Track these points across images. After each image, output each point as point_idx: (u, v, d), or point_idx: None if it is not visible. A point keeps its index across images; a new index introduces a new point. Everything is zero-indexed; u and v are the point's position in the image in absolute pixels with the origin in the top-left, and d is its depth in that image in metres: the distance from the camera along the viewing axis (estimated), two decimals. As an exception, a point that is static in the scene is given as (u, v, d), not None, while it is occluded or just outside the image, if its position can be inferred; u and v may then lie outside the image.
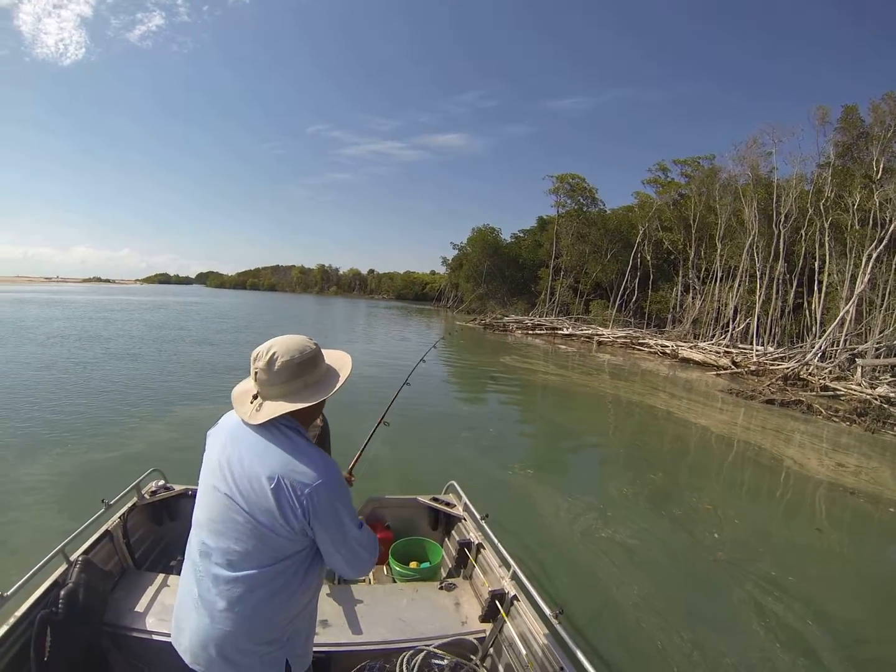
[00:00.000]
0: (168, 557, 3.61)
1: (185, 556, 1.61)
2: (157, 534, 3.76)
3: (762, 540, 6.45)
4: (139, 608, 2.79)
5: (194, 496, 1.65)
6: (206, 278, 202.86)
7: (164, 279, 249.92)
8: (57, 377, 12.27)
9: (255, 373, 1.53)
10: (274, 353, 1.51)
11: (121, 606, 2.80)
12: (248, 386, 1.60)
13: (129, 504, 3.56)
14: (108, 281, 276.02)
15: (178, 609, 1.61)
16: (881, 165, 27.39)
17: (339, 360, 1.69)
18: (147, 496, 3.71)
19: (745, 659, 4.06)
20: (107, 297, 64.48)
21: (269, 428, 1.50)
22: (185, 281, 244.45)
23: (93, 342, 18.86)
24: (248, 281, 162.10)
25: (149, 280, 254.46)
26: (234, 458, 1.50)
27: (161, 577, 3.09)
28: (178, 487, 3.86)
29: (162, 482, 3.88)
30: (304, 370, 1.54)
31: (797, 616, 4.71)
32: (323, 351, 1.66)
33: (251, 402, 1.54)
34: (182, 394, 11.24)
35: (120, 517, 3.40)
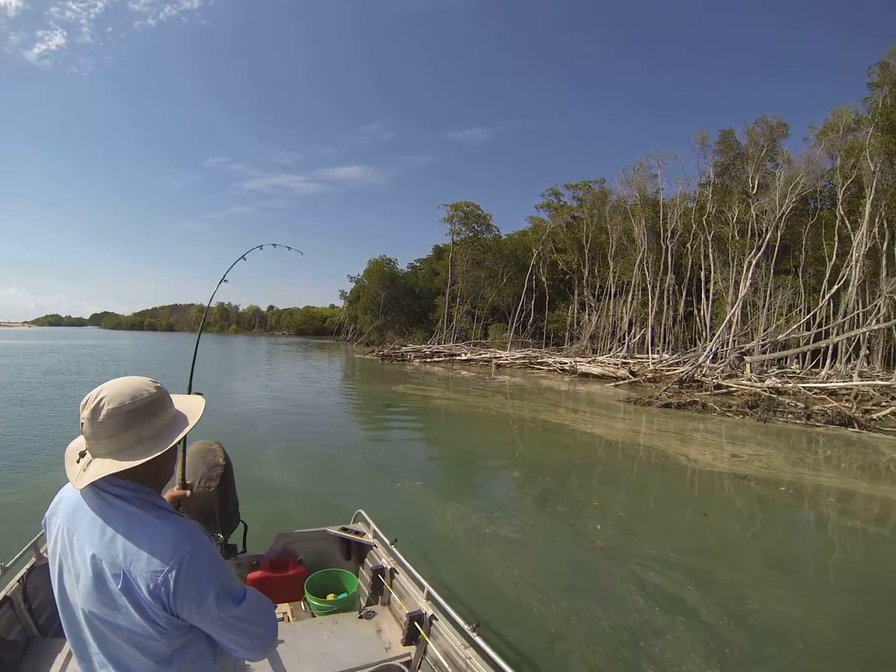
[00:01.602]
0: None
1: (75, 656, 1.32)
2: None
3: (646, 528, 6.68)
4: None
5: None
6: (101, 319, 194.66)
7: (55, 321, 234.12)
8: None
9: (82, 424, 1.27)
10: (101, 400, 1.25)
11: None
12: (79, 442, 1.33)
13: (28, 566, 3.30)
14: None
15: None
16: (756, 182, 30.92)
17: (191, 407, 1.44)
18: (46, 555, 3.35)
19: (624, 621, 4.22)
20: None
21: (105, 504, 1.25)
22: (79, 322, 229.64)
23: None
24: (145, 321, 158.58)
25: (39, 322, 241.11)
26: (77, 553, 1.24)
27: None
28: None
29: None
30: (137, 420, 1.27)
31: (678, 584, 4.91)
32: (173, 396, 1.42)
33: (78, 462, 1.28)
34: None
35: (19, 581, 3.15)
